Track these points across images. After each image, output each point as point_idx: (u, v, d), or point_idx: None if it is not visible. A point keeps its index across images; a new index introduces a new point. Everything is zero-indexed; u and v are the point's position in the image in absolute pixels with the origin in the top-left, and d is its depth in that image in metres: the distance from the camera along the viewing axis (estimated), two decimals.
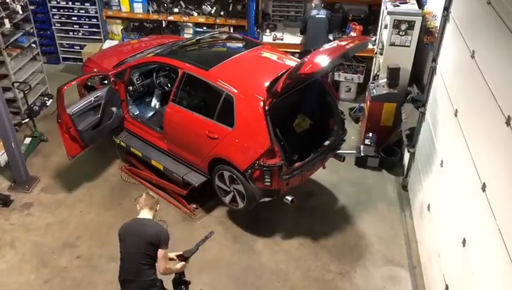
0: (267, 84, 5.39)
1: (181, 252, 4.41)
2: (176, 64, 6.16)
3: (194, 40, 7.20)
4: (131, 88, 6.71)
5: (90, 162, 7.24)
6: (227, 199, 6.05)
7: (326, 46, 5.37)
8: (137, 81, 6.70)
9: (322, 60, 4.80)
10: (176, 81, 6.05)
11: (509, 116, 3.52)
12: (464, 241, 4.26)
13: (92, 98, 6.29)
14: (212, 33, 7.73)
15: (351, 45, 5.24)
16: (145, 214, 4.28)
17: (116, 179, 7.04)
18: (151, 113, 7.00)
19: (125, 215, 6.38)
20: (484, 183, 3.89)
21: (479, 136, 4.20)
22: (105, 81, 6.64)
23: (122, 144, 6.84)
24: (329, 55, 4.94)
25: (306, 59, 4.94)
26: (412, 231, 6.23)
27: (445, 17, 5.54)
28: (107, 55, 7.56)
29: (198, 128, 5.83)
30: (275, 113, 5.41)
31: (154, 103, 7.11)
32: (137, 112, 6.88)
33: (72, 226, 6.28)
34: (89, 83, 6.94)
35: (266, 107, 5.28)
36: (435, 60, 5.92)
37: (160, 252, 4.12)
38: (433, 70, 5.97)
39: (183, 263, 4.35)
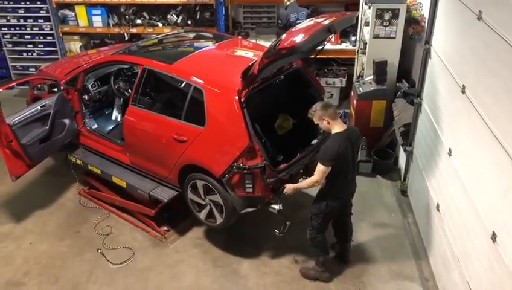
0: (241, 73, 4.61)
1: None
2: (134, 61, 5.37)
3: (156, 40, 6.42)
4: (86, 97, 5.85)
5: (43, 188, 6.29)
6: (202, 215, 5.15)
7: (303, 23, 4.66)
8: (92, 88, 5.85)
9: (304, 33, 4.05)
10: (136, 81, 5.23)
11: None
12: (493, 236, 3.46)
13: (39, 106, 5.39)
14: (177, 32, 6.95)
15: (329, 20, 4.53)
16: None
17: (73, 205, 6.07)
18: (111, 127, 6.14)
19: (83, 244, 5.45)
20: None
21: (501, 104, 3.47)
22: (55, 89, 5.78)
23: (78, 162, 5.91)
24: (309, 29, 4.22)
25: (284, 36, 4.20)
26: (419, 239, 5.42)
27: None
28: (61, 65, 6.65)
29: (163, 132, 4.97)
30: (253, 109, 4.62)
31: (115, 115, 6.27)
32: (96, 126, 6.01)
33: (19, 260, 5.26)
34: (35, 92, 6.04)
35: (242, 99, 4.49)
36: (428, 42, 5.29)
37: None
38: (427, 53, 5.32)
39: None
